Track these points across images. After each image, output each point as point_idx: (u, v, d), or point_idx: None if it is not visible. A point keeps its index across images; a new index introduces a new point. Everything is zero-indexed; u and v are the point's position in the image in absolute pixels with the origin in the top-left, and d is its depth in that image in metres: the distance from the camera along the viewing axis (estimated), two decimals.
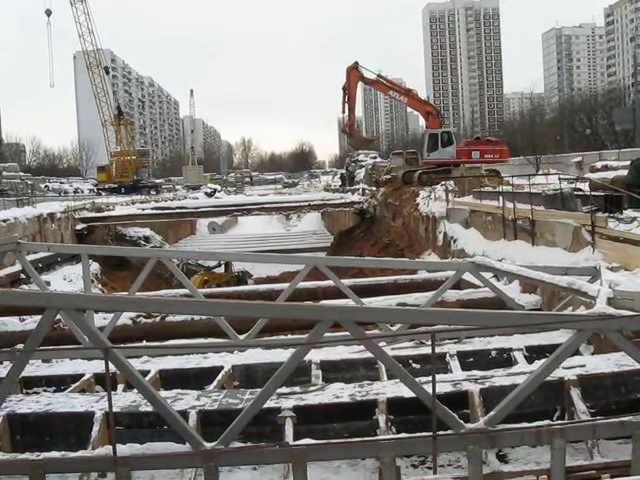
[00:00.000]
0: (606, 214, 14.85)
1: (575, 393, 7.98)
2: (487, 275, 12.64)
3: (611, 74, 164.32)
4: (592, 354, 9.59)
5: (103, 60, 77.75)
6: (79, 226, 36.90)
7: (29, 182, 69.73)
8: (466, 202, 24.81)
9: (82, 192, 78.23)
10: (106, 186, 76.53)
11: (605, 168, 27.16)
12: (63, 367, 10.77)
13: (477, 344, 10.98)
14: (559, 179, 20.33)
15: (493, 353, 10.51)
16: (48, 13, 73.20)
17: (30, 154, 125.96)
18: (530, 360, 9.77)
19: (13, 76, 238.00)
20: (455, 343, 10.95)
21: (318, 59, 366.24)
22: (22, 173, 76.71)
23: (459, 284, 13.95)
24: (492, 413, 6.71)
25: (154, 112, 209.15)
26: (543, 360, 7.41)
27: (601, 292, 8.59)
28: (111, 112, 78.47)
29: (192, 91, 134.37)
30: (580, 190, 18.47)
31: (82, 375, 10.02)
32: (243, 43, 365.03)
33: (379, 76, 41.55)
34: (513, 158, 55.67)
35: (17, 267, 21.06)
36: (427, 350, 9.93)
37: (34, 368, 10.37)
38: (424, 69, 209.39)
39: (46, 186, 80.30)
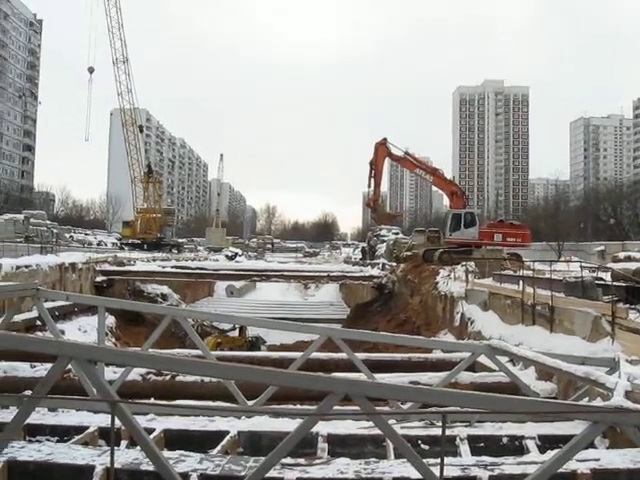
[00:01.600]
0: (627, 305, 14.69)
1: None
2: (503, 359, 12.45)
3: (637, 165, 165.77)
4: (607, 448, 9.32)
5: (139, 119, 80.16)
6: (99, 278, 37.22)
7: (55, 231, 70.88)
8: (486, 284, 24.67)
9: (105, 245, 79.34)
10: (129, 241, 77.73)
11: (628, 259, 26.93)
12: (68, 417, 10.66)
13: (488, 429, 10.73)
14: (581, 267, 20.27)
15: (504, 439, 10.25)
16: (91, 70, 76.11)
17: (59, 203, 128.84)
18: (542, 449, 9.51)
19: (50, 127, 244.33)
20: (466, 426, 10.71)
21: (349, 134, 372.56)
22: (49, 221, 78.04)
23: (474, 366, 13.73)
24: None
25: (183, 173, 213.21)
26: (556, 450, 7.21)
27: (619, 384, 8.41)
28: (141, 169, 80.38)
29: (222, 155, 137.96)
30: (602, 279, 18.34)
31: (87, 427, 9.92)
32: (277, 112, 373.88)
33: (406, 153, 42.29)
34: (535, 243, 55.66)
35: (34, 313, 21.16)
36: (437, 431, 9.73)
37: (39, 416, 10.28)
38: (451, 150, 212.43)
39: (71, 236, 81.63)
